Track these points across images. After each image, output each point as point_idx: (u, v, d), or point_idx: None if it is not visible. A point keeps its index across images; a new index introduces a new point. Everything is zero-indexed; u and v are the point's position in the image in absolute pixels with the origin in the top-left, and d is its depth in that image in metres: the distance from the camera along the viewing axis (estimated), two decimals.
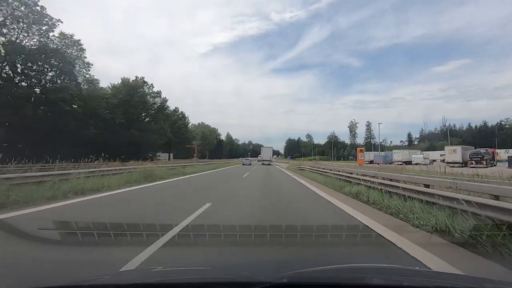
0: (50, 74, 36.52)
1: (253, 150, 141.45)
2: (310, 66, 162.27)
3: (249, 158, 60.40)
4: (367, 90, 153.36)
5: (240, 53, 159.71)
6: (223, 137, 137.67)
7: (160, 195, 9.56)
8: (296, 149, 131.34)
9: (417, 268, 2.65)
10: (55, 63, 35.72)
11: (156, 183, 12.89)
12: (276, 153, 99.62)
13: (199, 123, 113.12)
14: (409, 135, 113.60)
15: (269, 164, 44.60)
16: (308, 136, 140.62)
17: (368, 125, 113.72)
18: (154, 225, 4.25)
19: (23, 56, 32.72)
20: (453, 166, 28.29)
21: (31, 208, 6.14)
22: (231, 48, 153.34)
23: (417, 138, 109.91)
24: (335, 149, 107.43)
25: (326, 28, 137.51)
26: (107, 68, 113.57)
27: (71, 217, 4.84)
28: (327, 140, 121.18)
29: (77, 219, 4.29)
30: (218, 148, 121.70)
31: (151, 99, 54.68)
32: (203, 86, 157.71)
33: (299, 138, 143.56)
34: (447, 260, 3.25)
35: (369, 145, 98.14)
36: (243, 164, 45.42)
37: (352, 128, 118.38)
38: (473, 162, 35.58)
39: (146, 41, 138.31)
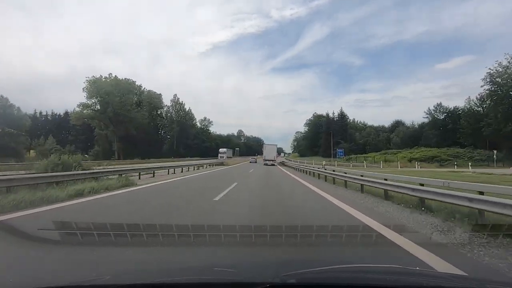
0: None
1: (246, 146, 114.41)
2: (310, 64, 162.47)
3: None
4: (368, 88, 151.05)
5: (240, 51, 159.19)
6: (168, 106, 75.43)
7: None
8: (340, 134, 68.19)
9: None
10: None
11: None
12: (279, 150, 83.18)
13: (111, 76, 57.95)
14: None
15: (273, 165, 39.41)
16: (341, 115, 76.60)
17: None
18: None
19: None
20: None
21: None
22: (230, 47, 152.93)
23: None
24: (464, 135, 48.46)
25: (326, 26, 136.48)
26: (105, 67, 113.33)
27: None
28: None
29: None
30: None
31: None
32: (203, 85, 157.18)
33: (344, 115, 76.75)
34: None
35: None
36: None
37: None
38: None
39: (145, 40, 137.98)
